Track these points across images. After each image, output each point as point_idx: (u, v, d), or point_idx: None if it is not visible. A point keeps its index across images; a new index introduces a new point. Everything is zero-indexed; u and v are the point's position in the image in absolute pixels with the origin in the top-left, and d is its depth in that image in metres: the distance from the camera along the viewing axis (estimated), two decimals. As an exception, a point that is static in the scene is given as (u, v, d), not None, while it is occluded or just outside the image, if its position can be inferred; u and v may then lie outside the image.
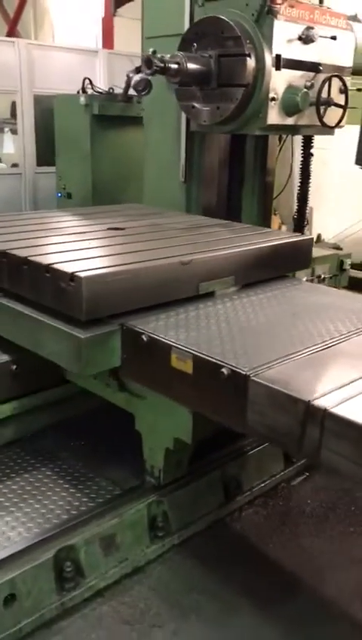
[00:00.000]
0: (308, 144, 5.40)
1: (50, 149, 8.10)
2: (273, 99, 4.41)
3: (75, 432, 4.25)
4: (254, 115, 4.50)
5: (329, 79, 4.57)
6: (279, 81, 4.41)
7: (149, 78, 4.78)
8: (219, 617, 3.23)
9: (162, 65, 4.34)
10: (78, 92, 7.43)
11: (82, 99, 7.09)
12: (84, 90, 7.45)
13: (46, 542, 3.27)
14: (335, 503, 4.12)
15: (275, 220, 6.39)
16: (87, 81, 7.50)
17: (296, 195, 5.65)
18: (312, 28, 4.42)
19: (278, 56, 4.33)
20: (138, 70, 6.22)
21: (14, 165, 9.16)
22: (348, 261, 5.98)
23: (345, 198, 7.85)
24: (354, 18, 5.12)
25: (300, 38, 4.42)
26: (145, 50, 4.98)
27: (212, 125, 4.71)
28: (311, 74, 4.54)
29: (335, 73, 4.65)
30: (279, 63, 4.34)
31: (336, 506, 4.09)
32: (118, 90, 7.30)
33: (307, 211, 5.69)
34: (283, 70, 4.38)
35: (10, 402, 3.91)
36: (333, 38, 4.61)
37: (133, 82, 5.77)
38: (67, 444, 4.15)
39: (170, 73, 4.41)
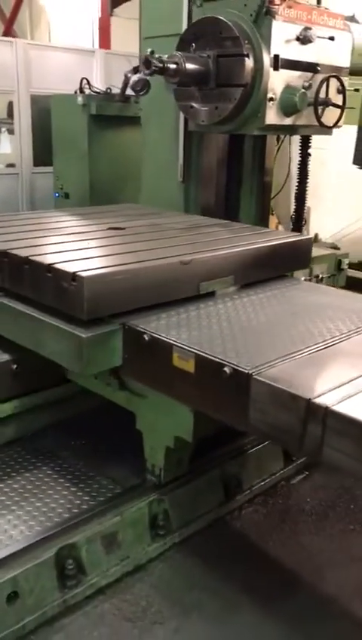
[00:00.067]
0: (305, 144, 5.42)
1: (47, 149, 8.10)
2: (271, 99, 4.43)
3: (75, 431, 4.26)
4: (252, 115, 4.51)
5: (327, 79, 4.59)
6: (277, 82, 4.42)
7: (147, 78, 4.79)
8: (220, 615, 3.25)
9: (161, 65, 4.37)
10: (76, 92, 7.44)
11: (80, 99, 7.11)
12: (81, 90, 7.45)
13: (48, 540, 3.29)
14: (335, 501, 4.14)
15: (273, 220, 6.41)
16: (84, 81, 7.50)
17: (293, 195, 5.67)
18: (310, 28, 4.44)
19: (276, 57, 4.34)
20: (136, 70, 6.26)
21: (11, 165, 9.15)
22: (346, 261, 6.02)
23: (343, 198, 7.86)
24: (352, 19, 5.16)
25: (298, 39, 4.44)
26: (143, 51, 4.99)
27: (210, 125, 4.72)
28: (309, 74, 4.55)
29: (333, 73, 4.66)
30: (277, 63, 4.35)
31: (336, 504, 4.11)
32: (116, 90, 7.31)
33: (304, 211, 5.71)
34: (282, 70, 4.40)
35: (11, 401, 3.93)
36: (331, 38, 4.63)
37: (131, 82, 5.81)
38: (68, 443, 4.17)
39: (168, 73, 4.42)
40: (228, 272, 3.78)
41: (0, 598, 3.00)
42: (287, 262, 4.28)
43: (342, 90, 4.75)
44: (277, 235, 4.55)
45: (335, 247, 6.42)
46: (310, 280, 5.34)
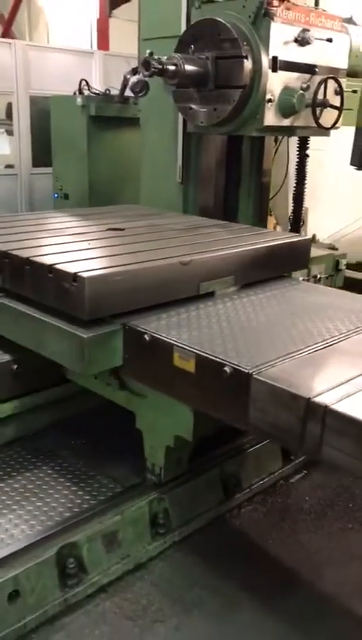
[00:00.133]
0: (304, 145, 5.44)
1: (46, 150, 8.12)
2: (270, 100, 4.44)
3: (75, 431, 4.28)
4: (251, 116, 4.53)
5: (324, 81, 4.61)
6: (276, 83, 4.44)
7: (146, 79, 4.81)
8: (221, 612, 3.27)
9: (160, 67, 4.38)
10: (75, 93, 7.46)
11: (79, 100, 7.13)
12: (80, 91, 7.47)
13: (49, 539, 3.31)
14: (334, 500, 4.16)
15: (271, 221, 6.43)
16: (83, 83, 7.52)
17: (291, 195, 5.69)
18: (308, 30, 4.46)
19: (275, 58, 4.36)
20: (135, 71, 6.29)
21: (10, 166, 9.17)
22: (344, 261, 6.04)
23: (341, 198, 7.90)
24: (349, 20, 5.16)
25: (296, 40, 4.45)
26: (142, 52, 5.01)
27: (209, 126, 4.73)
28: (307, 76, 4.57)
29: (331, 75, 4.68)
30: (276, 64, 4.37)
31: (334, 503, 4.14)
32: (115, 92, 7.33)
33: (302, 212, 5.73)
34: (280, 72, 4.41)
35: (11, 401, 3.95)
36: (329, 40, 4.65)
37: (130, 84, 5.81)
38: (68, 443, 4.18)
39: (167, 75, 4.44)
40: (227, 273, 3.80)
41: (1, 596, 3.01)
42: (286, 262, 4.30)
43: (339, 92, 4.77)
44: (276, 235, 4.58)
45: (333, 248, 6.45)
46: (308, 280, 5.37)
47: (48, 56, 9.23)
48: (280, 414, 2.59)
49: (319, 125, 4.70)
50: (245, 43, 4.34)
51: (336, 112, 4.78)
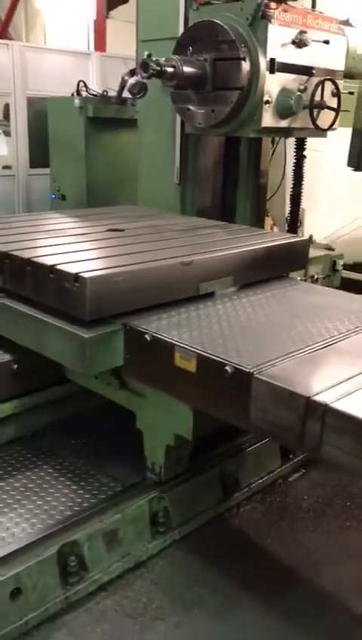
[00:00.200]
0: (301, 146, 5.47)
1: (43, 150, 8.12)
2: (267, 102, 4.48)
3: (75, 431, 4.29)
4: (249, 117, 4.57)
5: (322, 82, 4.65)
6: (273, 85, 4.48)
7: (144, 81, 4.84)
8: (221, 610, 3.29)
9: (158, 68, 4.41)
10: (73, 94, 7.46)
11: (77, 101, 7.13)
12: (78, 92, 7.48)
13: (50, 537, 3.32)
14: (332, 498, 4.19)
15: (268, 222, 6.45)
16: (81, 84, 7.53)
17: (288, 196, 5.72)
18: (305, 32, 4.50)
19: (272, 60, 4.40)
20: (133, 73, 6.30)
21: (7, 167, 9.17)
22: (341, 262, 6.08)
23: (337, 199, 7.92)
24: (346, 22, 5.20)
25: (294, 42, 4.50)
26: (140, 54, 5.03)
27: (207, 128, 4.77)
28: (305, 77, 4.61)
29: (328, 77, 4.72)
30: (273, 66, 4.41)
31: (333, 501, 4.16)
32: (112, 93, 7.35)
33: (299, 213, 5.76)
34: (278, 73, 4.46)
35: (12, 401, 3.96)
36: (326, 42, 4.68)
37: (128, 85, 5.83)
38: (68, 443, 4.19)
39: (166, 77, 4.47)
40: (227, 273, 3.83)
41: (3, 594, 3.02)
42: (285, 263, 4.33)
43: (336, 93, 4.81)
44: (275, 236, 4.61)
45: (330, 249, 6.48)
46: (305, 280, 5.39)
47: (45, 58, 9.23)
48: (280, 413, 2.62)
49: (316, 126, 4.75)
50: (243, 45, 4.38)
51: (333, 114, 4.82)
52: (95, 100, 7.30)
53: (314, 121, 4.70)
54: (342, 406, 2.46)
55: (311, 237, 6.74)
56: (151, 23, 5.29)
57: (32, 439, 4.22)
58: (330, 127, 4.88)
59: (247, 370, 2.72)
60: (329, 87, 4.74)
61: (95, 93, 7.60)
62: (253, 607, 3.33)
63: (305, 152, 5.49)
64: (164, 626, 3.19)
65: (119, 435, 4.12)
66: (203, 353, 2.92)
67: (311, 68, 4.63)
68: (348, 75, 5.18)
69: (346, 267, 6.35)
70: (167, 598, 3.35)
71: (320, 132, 4.88)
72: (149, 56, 4.45)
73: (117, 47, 11.99)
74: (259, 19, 4.36)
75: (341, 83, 4.88)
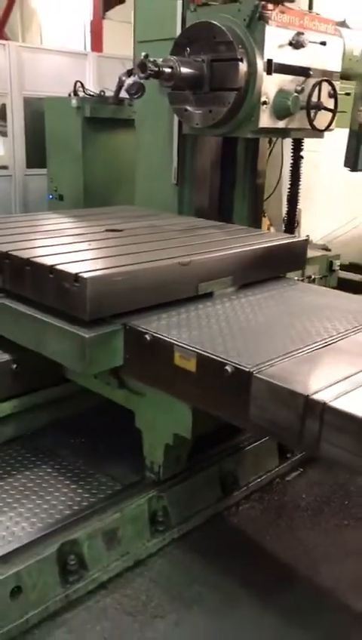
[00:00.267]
0: (298, 147, 5.49)
1: (40, 151, 8.14)
2: (264, 102, 4.49)
3: (74, 430, 4.30)
4: (246, 118, 4.58)
5: (319, 83, 4.66)
6: (270, 86, 4.49)
7: (142, 81, 4.85)
8: (220, 608, 3.31)
9: (156, 69, 4.41)
10: (70, 95, 7.48)
11: (74, 101, 7.14)
12: (75, 92, 7.49)
13: (50, 536, 3.34)
14: (329, 497, 4.22)
15: (264, 222, 6.47)
16: (78, 84, 7.54)
17: (285, 197, 5.74)
18: (302, 33, 4.51)
19: (270, 61, 4.41)
20: (130, 73, 6.32)
21: (4, 167, 9.18)
22: (337, 262, 6.10)
23: (334, 200, 7.95)
24: (343, 24, 5.22)
25: (291, 44, 4.51)
26: (137, 54, 5.05)
27: (204, 128, 4.78)
28: (302, 78, 4.62)
29: (325, 78, 4.73)
30: (270, 67, 4.42)
31: (330, 499, 4.19)
32: (109, 93, 7.36)
33: (296, 213, 5.79)
34: (275, 74, 4.47)
35: (11, 400, 3.97)
36: (323, 43, 4.70)
37: (126, 85, 5.85)
38: (67, 442, 4.21)
39: (163, 77, 4.47)
40: (226, 273, 3.85)
41: (4, 593, 3.04)
42: (283, 263, 4.35)
43: (333, 94, 4.82)
44: (274, 236, 4.62)
45: (327, 249, 6.50)
46: (302, 281, 5.41)
47: (42, 58, 9.24)
48: (279, 411, 2.64)
49: (313, 127, 4.76)
50: (240, 46, 4.39)
51: (330, 115, 4.84)
52: (92, 100, 7.33)
53: (311, 121, 4.71)
54: (340, 404, 2.49)
55: (307, 237, 6.77)
56: (148, 24, 5.30)
57: (32, 439, 4.23)
58: (327, 128, 4.89)
59: (247, 370, 2.74)
60: (326, 88, 4.75)
61: (92, 93, 7.62)
62: (251, 604, 3.35)
63: (302, 153, 5.52)
64: (164, 624, 3.21)
65: (118, 434, 4.15)
66: (203, 353, 2.94)
67: (308, 69, 4.64)
68: (345, 76, 5.19)
69: (342, 267, 6.37)
70: (167, 596, 3.38)
71: (317, 133, 4.90)
72: (147, 56, 4.46)
73: (113, 47, 11.98)
74: (257, 20, 4.37)
75: (337, 84, 4.89)
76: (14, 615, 3.09)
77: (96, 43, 13.96)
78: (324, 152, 6.69)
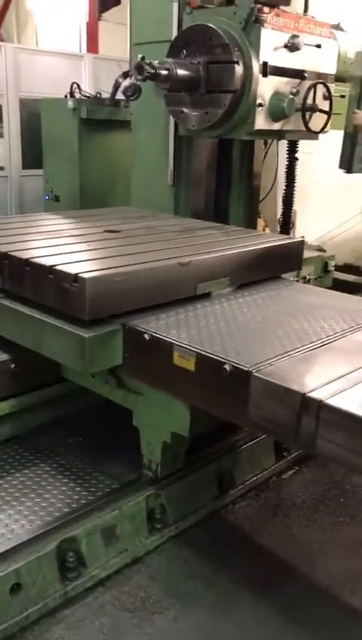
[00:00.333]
0: (293, 149, 5.53)
1: (36, 151, 8.16)
2: (260, 105, 4.54)
3: (72, 429, 4.33)
4: (242, 120, 4.63)
5: (314, 86, 4.71)
6: (266, 88, 4.54)
7: (138, 83, 4.88)
8: (217, 603, 3.35)
9: (153, 71, 4.45)
10: (66, 96, 7.50)
11: (70, 103, 7.16)
12: (72, 94, 7.52)
13: (49, 534, 3.36)
14: (325, 494, 4.26)
15: (260, 223, 6.52)
16: (74, 86, 7.57)
17: (280, 198, 5.79)
18: (297, 36, 4.55)
19: (265, 64, 4.46)
20: (126, 75, 6.35)
21: (0, 168, 9.20)
22: (332, 263, 6.14)
23: (329, 201, 8.00)
24: (338, 27, 5.27)
25: (286, 46, 4.55)
26: (133, 56, 5.08)
27: (200, 130, 4.82)
28: (297, 81, 4.67)
29: (320, 80, 4.79)
30: (266, 70, 4.47)
31: (326, 497, 4.23)
32: (105, 95, 7.39)
33: (291, 214, 5.83)
34: (270, 77, 4.52)
35: (9, 400, 3.98)
36: (318, 46, 4.75)
37: (122, 87, 5.88)
38: (65, 441, 4.23)
39: (160, 79, 4.51)
40: (224, 274, 3.88)
41: (3, 589, 3.07)
42: (281, 263, 4.38)
43: (328, 97, 4.88)
44: (270, 237, 4.65)
45: (321, 250, 6.54)
46: (298, 281, 5.45)
47: (38, 59, 9.26)
48: (277, 409, 2.68)
49: (308, 129, 4.81)
50: (236, 48, 4.44)
51: (325, 117, 4.89)
52: (88, 102, 7.34)
53: (306, 123, 4.76)
54: (336, 402, 2.53)
55: (302, 238, 6.81)
56: (144, 27, 5.33)
57: (30, 437, 4.25)
58: (322, 130, 4.95)
59: (246, 369, 2.78)
60: (321, 90, 4.81)
61: (88, 94, 7.64)
62: (248, 600, 3.39)
63: (297, 155, 5.55)
64: (162, 620, 3.24)
65: (116, 433, 4.17)
66: (202, 352, 2.97)
67: (303, 71, 4.69)
68: (340, 78, 5.25)
69: (337, 268, 6.42)
70: (165, 592, 3.41)
71: (312, 135, 4.95)
72: (143, 58, 4.49)
73: (109, 49, 12.02)
74: (252, 23, 4.42)
75: (332, 86, 4.95)
76: (14, 611, 3.11)
77: (92, 44, 13.98)
78: (319, 154, 6.73)
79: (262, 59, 4.45)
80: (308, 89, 4.69)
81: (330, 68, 4.98)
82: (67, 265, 3.40)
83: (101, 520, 3.50)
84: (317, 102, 4.79)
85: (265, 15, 4.41)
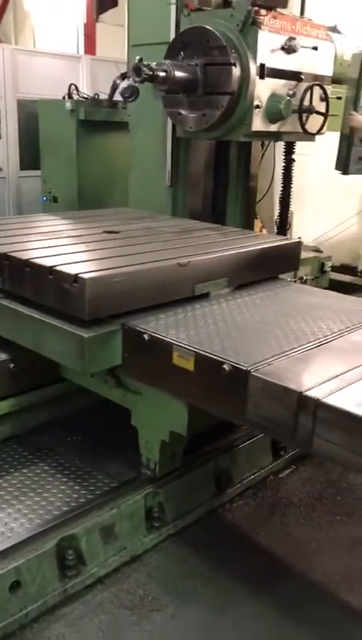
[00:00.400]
0: (290, 150, 5.57)
1: (34, 153, 8.15)
2: (257, 106, 4.56)
3: (71, 428, 4.35)
4: (239, 121, 4.65)
5: (310, 88, 4.73)
6: (263, 90, 4.57)
7: (136, 85, 4.91)
8: (215, 601, 3.37)
9: (151, 73, 4.48)
10: (64, 97, 7.51)
11: (68, 104, 7.16)
12: (69, 95, 7.53)
13: (48, 532, 3.39)
14: (322, 493, 4.28)
15: (257, 224, 6.54)
16: (72, 87, 7.58)
17: (277, 199, 5.82)
18: (294, 38, 4.58)
19: (262, 66, 4.49)
20: (124, 77, 6.37)
21: (-3, 169, 9.22)
22: (329, 263, 6.17)
23: (325, 202, 8.03)
24: (334, 29, 5.31)
25: (283, 48, 4.58)
26: (131, 58, 5.10)
27: (198, 131, 4.85)
28: (294, 82, 4.69)
29: (317, 82, 4.81)
30: (263, 71, 4.50)
31: (323, 496, 4.26)
32: (103, 96, 7.40)
33: (288, 215, 5.86)
34: (267, 79, 4.55)
35: (8, 399, 4.00)
36: (314, 48, 4.78)
37: (120, 89, 5.89)
38: (64, 440, 4.25)
39: (158, 81, 4.55)
40: (222, 274, 3.91)
41: (3, 587, 3.09)
42: (278, 264, 4.41)
43: (325, 98, 4.90)
44: (268, 238, 4.68)
45: (318, 251, 6.58)
46: (295, 282, 5.48)
47: (36, 61, 9.24)
48: (274, 408, 2.72)
49: (305, 131, 4.83)
50: (233, 50, 4.46)
51: (322, 118, 4.91)
52: (86, 103, 7.34)
53: (302, 125, 4.79)
54: (332, 401, 2.56)
55: (299, 239, 6.85)
56: (142, 28, 5.34)
57: (29, 437, 4.27)
58: (319, 132, 4.96)
59: (245, 369, 2.81)
60: (317, 92, 4.83)
61: (86, 96, 7.65)
62: (245, 597, 3.41)
63: (293, 156, 5.59)
64: (161, 617, 3.26)
65: (114, 432, 4.18)
66: (201, 352, 3.00)
67: (300, 73, 4.71)
68: (336, 80, 5.28)
69: (333, 269, 6.45)
70: (163, 590, 3.43)
71: (309, 136, 4.97)
72: (141, 60, 4.52)
73: (106, 50, 12.02)
74: (249, 25, 4.44)
75: (329, 88, 4.97)
76: (14, 609, 3.14)
77: (90, 46, 13.98)
78: (315, 155, 6.77)
79: (259, 61, 4.48)
80: (305, 91, 4.71)
81: (327, 70, 5.00)
82: (67, 265, 3.42)
83: (100, 518, 3.52)
84: (313, 103, 4.81)
85: (262, 17, 4.44)
